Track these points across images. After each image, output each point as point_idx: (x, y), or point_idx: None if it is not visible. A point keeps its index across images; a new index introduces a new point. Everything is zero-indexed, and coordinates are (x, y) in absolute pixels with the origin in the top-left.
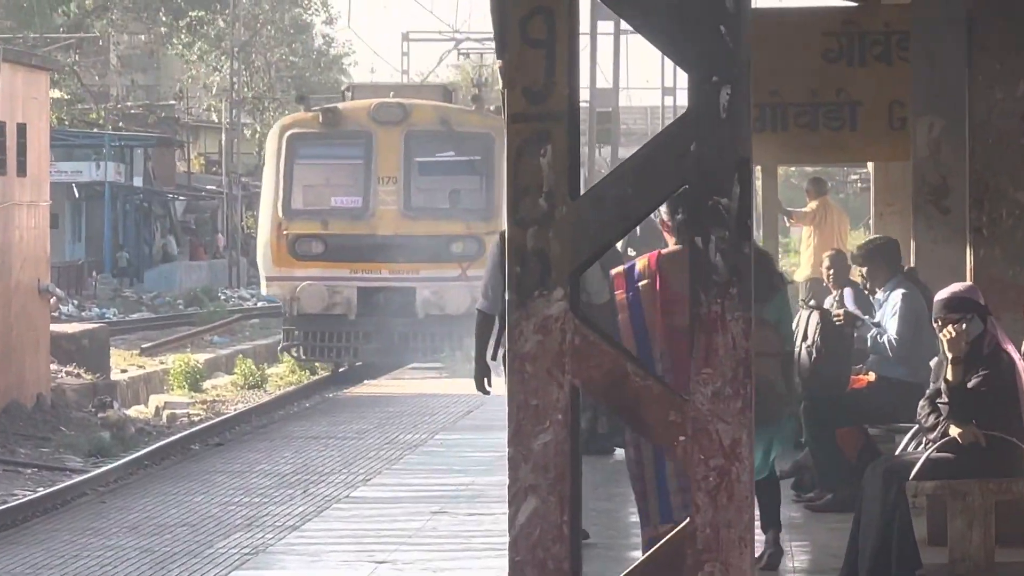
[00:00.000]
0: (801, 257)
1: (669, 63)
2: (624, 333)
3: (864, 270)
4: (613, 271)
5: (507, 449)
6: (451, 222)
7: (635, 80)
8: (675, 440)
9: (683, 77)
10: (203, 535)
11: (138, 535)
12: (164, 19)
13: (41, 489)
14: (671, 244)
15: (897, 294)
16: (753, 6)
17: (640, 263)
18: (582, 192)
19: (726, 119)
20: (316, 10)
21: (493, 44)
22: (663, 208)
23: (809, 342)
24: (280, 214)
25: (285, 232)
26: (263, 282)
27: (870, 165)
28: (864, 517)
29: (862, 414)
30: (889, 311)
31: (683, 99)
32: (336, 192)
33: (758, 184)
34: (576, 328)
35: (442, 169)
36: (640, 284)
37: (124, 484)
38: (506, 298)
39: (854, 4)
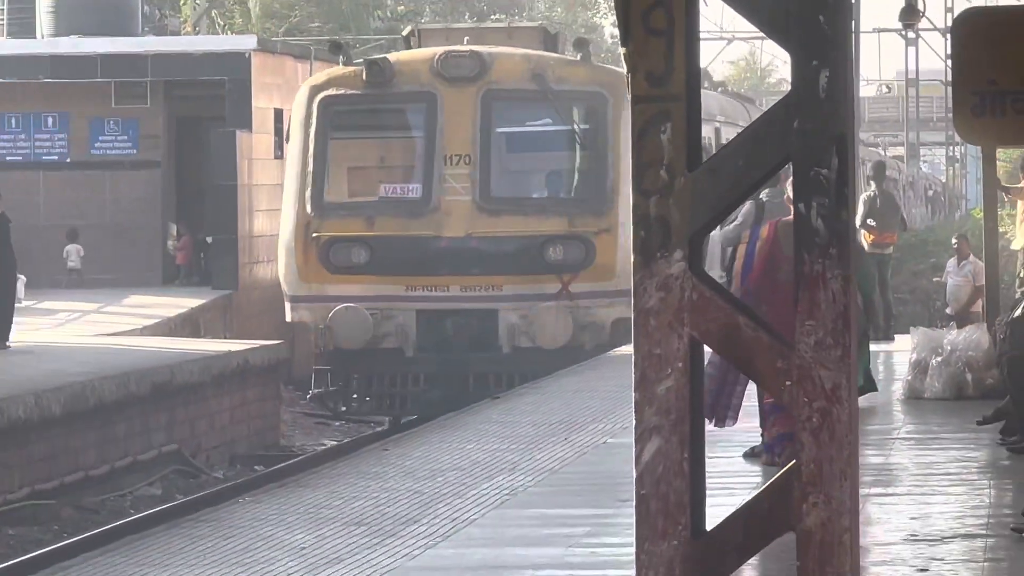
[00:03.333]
0: (1017, 229)
1: None
2: (736, 268)
3: None
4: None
5: (633, 394)
6: (548, 217)
7: None
8: (782, 385)
9: None
10: (469, 478)
11: (412, 479)
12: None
13: (337, 440)
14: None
15: None
16: (971, 6)
17: (764, 227)
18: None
19: (825, 99)
20: (604, 13)
21: (760, 41)
22: (789, 186)
23: None
24: (308, 210)
25: (315, 235)
26: (287, 305)
27: None
28: None
29: None
30: None
31: None
32: (386, 177)
33: (980, 165)
34: (694, 286)
35: (536, 143)
36: (757, 241)
37: (407, 435)
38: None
39: None
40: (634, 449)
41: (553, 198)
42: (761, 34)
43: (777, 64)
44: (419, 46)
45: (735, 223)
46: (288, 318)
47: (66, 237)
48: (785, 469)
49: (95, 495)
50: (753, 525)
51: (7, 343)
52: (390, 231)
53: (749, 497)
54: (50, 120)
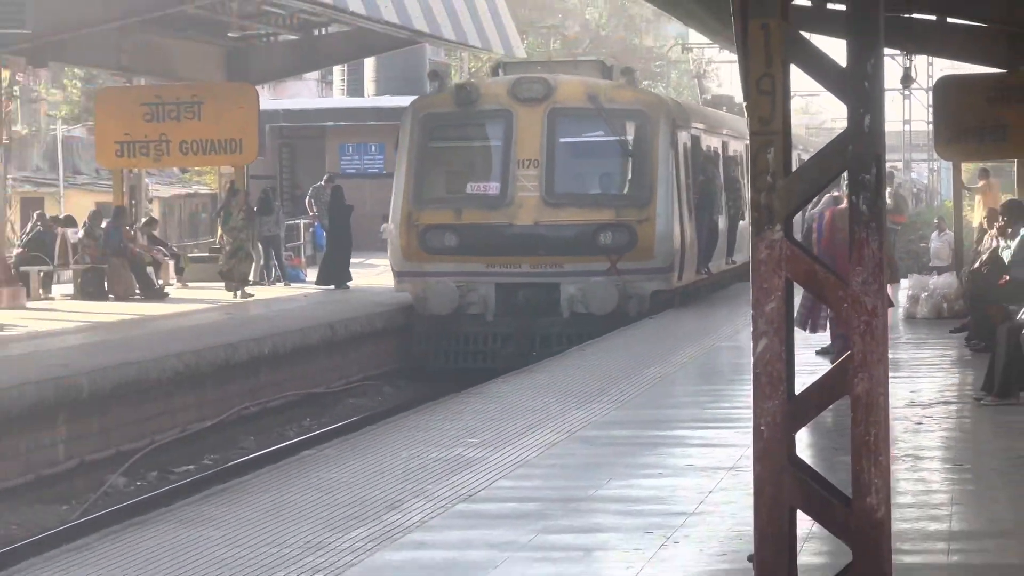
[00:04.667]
0: (975, 213)
1: None
2: (813, 239)
3: (1005, 218)
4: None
5: (750, 311)
6: (599, 209)
7: None
8: (842, 306)
9: None
10: (634, 367)
11: (591, 369)
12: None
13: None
14: (844, 204)
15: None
16: (945, 74)
17: (827, 212)
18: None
19: (868, 133)
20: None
21: (812, 97)
22: (844, 185)
23: (985, 259)
24: (410, 203)
25: (415, 223)
26: (393, 279)
27: (1016, 161)
28: (997, 354)
29: (1003, 298)
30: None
31: None
32: (472, 177)
33: (951, 173)
34: (787, 247)
35: (589, 151)
36: (823, 222)
37: (587, 345)
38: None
39: (1004, 71)
40: (751, 345)
41: (604, 194)
42: (814, 91)
43: (823, 108)
44: (504, 75)
45: (816, 208)
46: (394, 290)
47: (382, 219)
48: (843, 358)
49: (356, 397)
50: (824, 391)
51: (348, 284)
52: (474, 220)
53: (820, 376)
54: (372, 148)
